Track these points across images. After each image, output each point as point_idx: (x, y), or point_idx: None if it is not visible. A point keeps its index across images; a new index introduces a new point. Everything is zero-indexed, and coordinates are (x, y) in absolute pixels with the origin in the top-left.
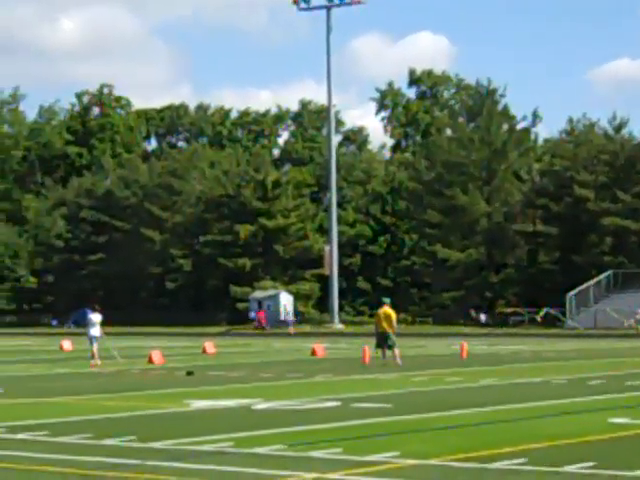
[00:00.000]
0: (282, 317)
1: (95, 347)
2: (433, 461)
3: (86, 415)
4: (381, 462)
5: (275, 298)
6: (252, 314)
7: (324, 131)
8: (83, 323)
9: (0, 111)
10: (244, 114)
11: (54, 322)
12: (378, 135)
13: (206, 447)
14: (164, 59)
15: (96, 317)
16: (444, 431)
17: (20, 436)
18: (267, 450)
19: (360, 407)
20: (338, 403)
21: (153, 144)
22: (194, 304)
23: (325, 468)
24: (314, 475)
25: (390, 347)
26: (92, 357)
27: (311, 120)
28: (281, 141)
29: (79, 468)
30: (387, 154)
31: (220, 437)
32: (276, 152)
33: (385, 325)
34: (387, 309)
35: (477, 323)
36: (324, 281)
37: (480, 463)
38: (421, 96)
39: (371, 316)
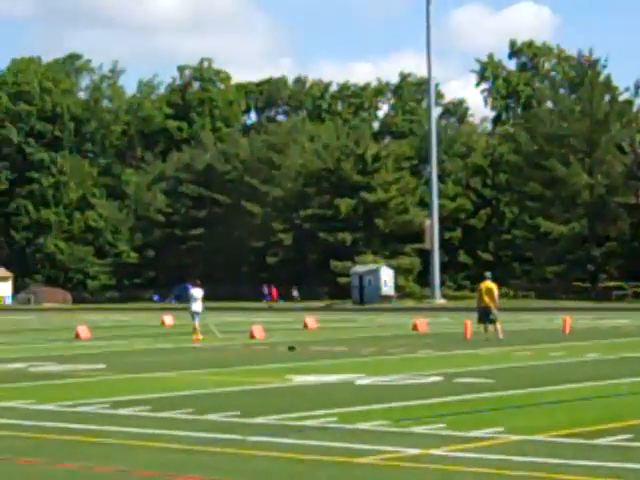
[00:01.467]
0: (383, 292)
1: (197, 322)
2: (538, 437)
3: (188, 390)
4: (485, 438)
5: (376, 272)
6: (265, 289)
7: (424, 104)
8: (184, 298)
9: (99, 86)
10: (344, 87)
11: (155, 297)
12: (478, 107)
13: (309, 422)
14: (264, 32)
15: (198, 292)
16: (548, 406)
17: (123, 411)
18: (370, 426)
19: (463, 382)
20: (441, 378)
21: (252, 118)
22: (295, 278)
23: (428, 444)
24: (417, 451)
25: (492, 322)
26: (194, 332)
27: (411, 93)
28: (381, 114)
29: (181, 443)
30: (488, 126)
31: (323, 412)
32: (376, 125)
33: (487, 299)
34: (489, 283)
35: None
36: (425, 255)
37: (586, 439)
38: (522, 68)
39: (472, 290)
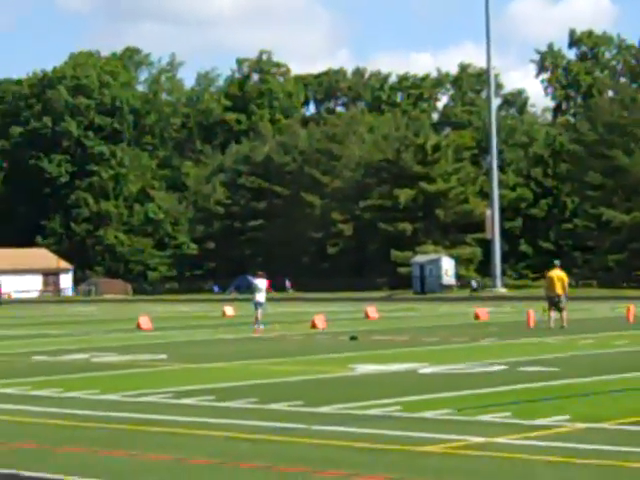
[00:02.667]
0: (444, 281)
1: (259, 312)
2: (604, 424)
3: (251, 380)
4: (551, 426)
5: (437, 262)
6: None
7: (484, 94)
8: (244, 289)
9: (158, 79)
10: (403, 78)
11: (216, 288)
12: (538, 97)
13: (373, 411)
14: (323, 24)
15: (261, 283)
16: (614, 394)
17: (186, 401)
18: (435, 414)
19: (527, 371)
20: (504, 367)
21: (311, 109)
22: (355, 269)
23: (494, 432)
24: (483, 439)
25: (560, 310)
26: (256, 322)
27: (470, 83)
28: (440, 105)
29: (245, 433)
30: (548, 116)
31: (387, 401)
32: (435, 116)
33: (558, 288)
34: (559, 271)
35: None
36: (486, 245)
37: None
38: (582, 57)
39: (533, 279)
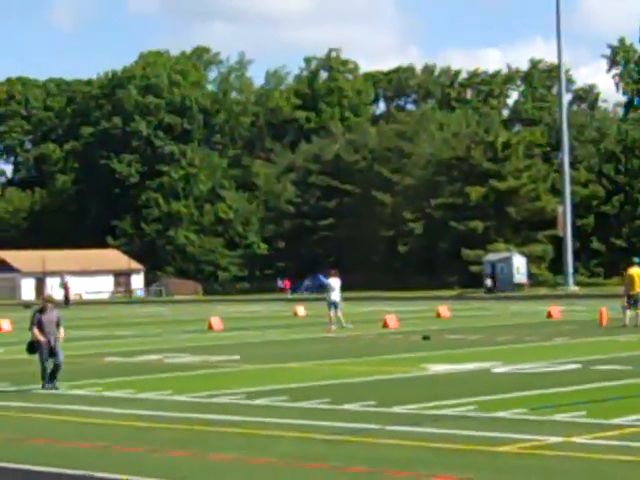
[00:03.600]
0: (515, 279)
1: (333, 312)
2: None
3: (324, 380)
4: (627, 425)
5: (508, 260)
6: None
7: (554, 90)
8: (315, 288)
9: (227, 77)
10: (473, 75)
11: (282, 285)
12: (610, 93)
13: (447, 411)
14: (393, 21)
15: (335, 282)
16: None
17: (259, 402)
18: (509, 414)
19: (601, 369)
20: (578, 366)
21: (381, 107)
22: (425, 267)
23: (569, 432)
24: (558, 439)
25: (637, 308)
26: (330, 322)
27: (541, 79)
28: (510, 101)
29: (319, 433)
30: (620, 111)
31: (461, 401)
32: (506, 112)
33: (637, 285)
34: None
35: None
36: (557, 242)
37: None
38: None
39: (605, 277)
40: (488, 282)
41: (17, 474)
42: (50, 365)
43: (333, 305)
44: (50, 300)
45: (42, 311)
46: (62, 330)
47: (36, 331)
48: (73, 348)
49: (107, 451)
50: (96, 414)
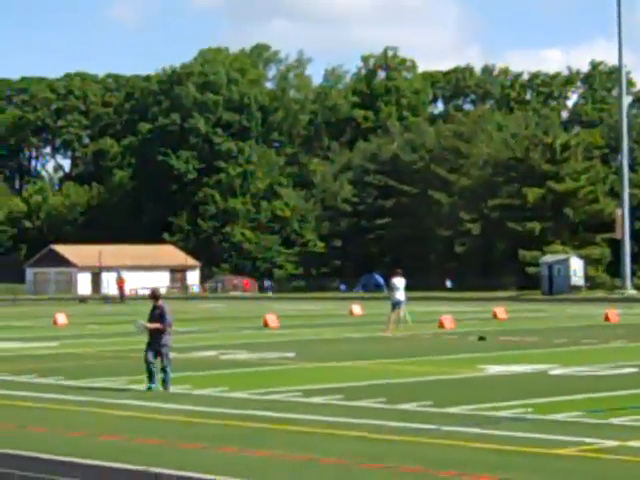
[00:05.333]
0: (572, 282)
1: (396, 311)
2: None
3: (380, 379)
4: None
5: (565, 262)
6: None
7: (614, 92)
8: (371, 287)
9: (286, 76)
10: (534, 76)
11: (343, 287)
12: None
13: (503, 413)
14: (452, 21)
15: (400, 282)
16: None
17: (315, 400)
18: (566, 416)
19: None
20: (635, 369)
21: (439, 107)
22: (482, 268)
23: (627, 436)
24: (615, 443)
25: None
26: (389, 322)
27: (602, 81)
28: (570, 103)
29: (374, 432)
30: None
31: (517, 403)
32: (565, 114)
33: None
34: None
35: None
36: (615, 245)
37: None
38: None
39: None
40: (448, 283)
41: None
42: (159, 365)
43: (397, 304)
44: (157, 296)
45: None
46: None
47: (147, 323)
48: (130, 343)
49: (163, 447)
50: (153, 409)
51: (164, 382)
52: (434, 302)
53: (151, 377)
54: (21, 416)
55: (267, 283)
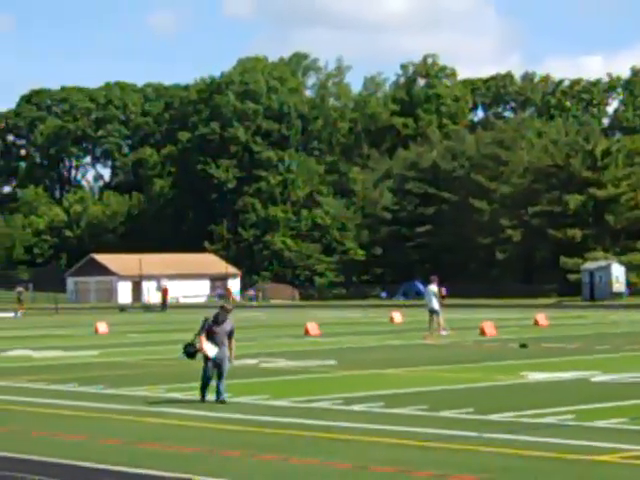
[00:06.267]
0: (614, 288)
1: (435, 319)
2: None
3: (421, 387)
4: None
5: (606, 269)
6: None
7: None
8: (412, 295)
9: (325, 84)
10: (574, 83)
11: (383, 294)
12: None
13: (545, 420)
14: (493, 28)
15: (435, 289)
16: None
17: (356, 407)
18: (608, 423)
19: None
20: None
21: (479, 114)
22: (523, 275)
23: None
24: None
25: None
26: (430, 329)
27: None
28: (610, 109)
29: (416, 440)
30: None
31: (559, 410)
32: (605, 121)
33: None
34: None
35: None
36: None
37: None
38: None
39: None
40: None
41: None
42: (214, 378)
43: (434, 312)
44: (227, 309)
45: (216, 319)
46: (234, 343)
47: (203, 339)
48: (170, 352)
49: (205, 455)
50: (194, 417)
51: (219, 392)
52: (475, 309)
53: (205, 389)
54: (61, 424)
55: (252, 291)
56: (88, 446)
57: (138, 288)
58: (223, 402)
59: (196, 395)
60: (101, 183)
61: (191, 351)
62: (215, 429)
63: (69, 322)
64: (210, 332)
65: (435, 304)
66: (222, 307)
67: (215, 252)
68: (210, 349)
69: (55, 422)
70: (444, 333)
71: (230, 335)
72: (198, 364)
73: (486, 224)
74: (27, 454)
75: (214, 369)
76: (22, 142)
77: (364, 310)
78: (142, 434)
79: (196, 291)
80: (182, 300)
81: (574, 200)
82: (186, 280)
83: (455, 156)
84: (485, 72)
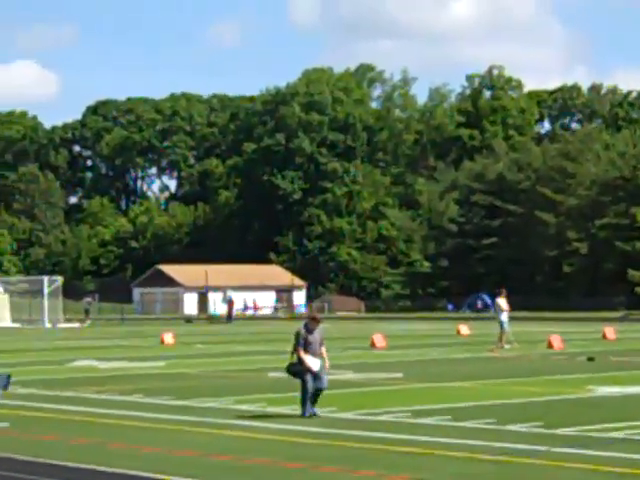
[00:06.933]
0: None
1: (504, 331)
2: None
3: (489, 400)
4: None
5: None
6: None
7: None
8: (479, 308)
9: (391, 95)
10: None
11: (450, 307)
12: None
13: (615, 434)
14: (559, 39)
15: (504, 302)
16: None
17: (423, 421)
18: None
19: None
20: None
21: (546, 126)
22: (590, 288)
23: None
24: None
25: None
26: (500, 341)
27: None
28: None
29: (484, 453)
30: None
31: (629, 424)
32: None
33: None
34: None
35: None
36: None
37: None
38: None
39: None
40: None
41: None
42: (310, 389)
43: (504, 324)
44: (316, 319)
45: (308, 329)
46: (325, 352)
47: (302, 352)
48: (236, 363)
49: (268, 466)
50: (261, 430)
51: (305, 404)
52: (541, 322)
53: (307, 403)
54: (127, 435)
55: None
56: (164, 458)
57: (204, 299)
58: (315, 415)
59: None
60: (167, 194)
61: (297, 370)
62: (282, 441)
63: (135, 333)
64: (305, 344)
65: (502, 317)
66: (312, 317)
67: (280, 264)
68: (313, 363)
69: (122, 433)
70: (507, 346)
71: (321, 344)
72: (264, 376)
73: (552, 237)
74: (107, 466)
75: (314, 382)
76: (88, 153)
77: (430, 322)
78: (210, 446)
79: (261, 303)
80: (248, 312)
81: None
82: (252, 292)
83: (521, 168)
84: (551, 83)
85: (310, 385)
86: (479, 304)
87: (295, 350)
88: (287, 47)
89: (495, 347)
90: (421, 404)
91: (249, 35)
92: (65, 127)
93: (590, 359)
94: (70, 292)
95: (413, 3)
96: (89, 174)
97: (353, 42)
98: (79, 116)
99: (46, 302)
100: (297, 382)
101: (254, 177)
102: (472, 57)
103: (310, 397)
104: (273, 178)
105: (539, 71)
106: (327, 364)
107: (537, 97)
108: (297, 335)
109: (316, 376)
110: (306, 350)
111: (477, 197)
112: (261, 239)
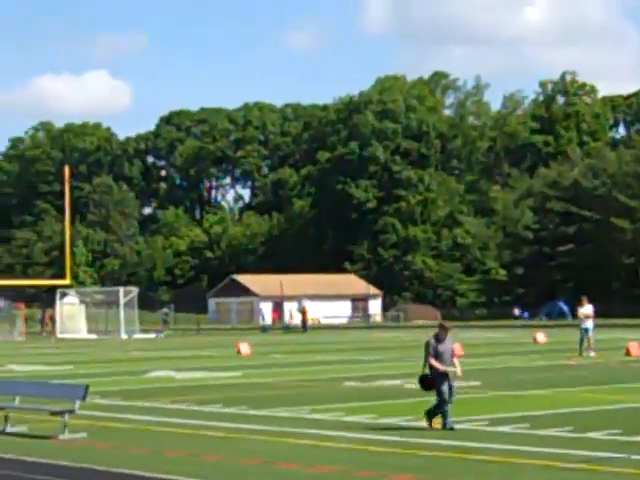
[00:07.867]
0: None
1: (586, 339)
2: None
3: (567, 408)
4: None
5: None
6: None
7: None
8: (555, 315)
9: (464, 102)
10: None
11: (525, 314)
12: None
13: None
14: (634, 45)
15: (588, 309)
16: None
17: (501, 429)
18: None
19: None
20: None
21: (621, 132)
22: None
23: None
24: None
25: None
26: (587, 349)
27: None
28: None
29: (563, 461)
30: None
31: None
32: None
33: None
34: None
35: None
36: None
37: None
38: None
39: None
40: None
41: None
42: (448, 400)
43: (586, 332)
44: (446, 328)
45: (438, 339)
46: (457, 362)
47: (434, 360)
48: (312, 372)
49: (336, 475)
50: (337, 439)
51: (446, 416)
52: (619, 329)
53: (447, 415)
54: (202, 444)
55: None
56: (225, 466)
57: (279, 309)
58: (451, 429)
59: (340, 416)
60: (241, 204)
61: (430, 383)
62: (355, 449)
63: (211, 343)
64: (436, 355)
65: (585, 324)
66: (441, 326)
67: (355, 272)
68: (441, 366)
69: (198, 442)
70: (592, 354)
71: (452, 354)
72: (339, 386)
73: (629, 243)
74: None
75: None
76: (162, 163)
77: (507, 330)
78: (281, 454)
79: (337, 312)
80: (323, 321)
81: None
82: (327, 301)
83: (596, 174)
84: (625, 89)
85: (447, 397)
86: (555, 312)
87: (426, 361)
88: (360, 55)
89: (578, 354)
90: (499, 412)
91: (322, 44)
92: (139, 138)
93: None
94: (145, 303)
95: (486, 9)
96: (163, 185)
97: (426, 50)
98: (152, 127)
99: (122, 313)
100: (379, 391)
101: (328, 186)
102: (545, 62)
103: (445, 409)
104: (347, 187)
105: (613, 76)
106: (459, 371)
107: (611, 102)
108: (427, 345)
109: (450, 386)
110: (438, 360)
111: (552, 204)
112: (336, 248)
